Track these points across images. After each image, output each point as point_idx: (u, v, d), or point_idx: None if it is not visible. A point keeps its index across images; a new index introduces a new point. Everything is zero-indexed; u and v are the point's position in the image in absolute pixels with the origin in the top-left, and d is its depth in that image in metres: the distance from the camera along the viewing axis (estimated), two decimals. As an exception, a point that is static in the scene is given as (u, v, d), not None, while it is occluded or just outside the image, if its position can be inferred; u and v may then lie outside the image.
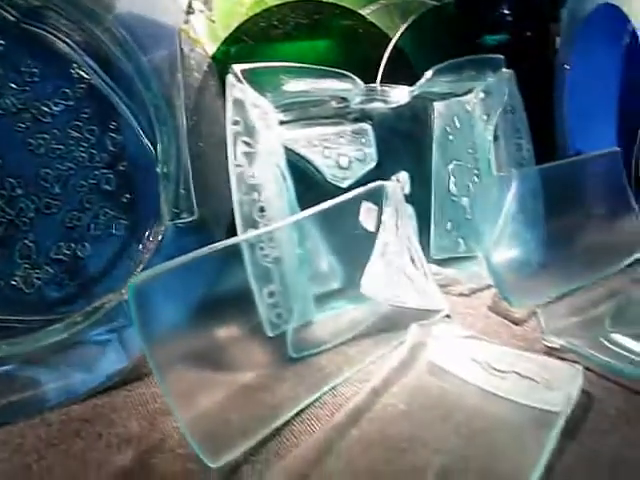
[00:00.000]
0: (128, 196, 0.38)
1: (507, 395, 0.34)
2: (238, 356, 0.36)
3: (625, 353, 0.38)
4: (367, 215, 0.42)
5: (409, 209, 0.49)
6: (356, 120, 0.46)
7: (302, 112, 0.43)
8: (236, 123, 0.36)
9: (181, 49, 0.37)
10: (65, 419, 0.33)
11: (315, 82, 0.41)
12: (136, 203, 0.38)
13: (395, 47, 0.48)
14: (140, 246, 0.38)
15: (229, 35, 0.43)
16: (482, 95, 0.50)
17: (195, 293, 0.33)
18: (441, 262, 0.50)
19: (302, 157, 0.43)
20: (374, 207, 0.42)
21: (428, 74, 0.46)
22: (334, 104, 0.44)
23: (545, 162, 0.51)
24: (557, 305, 0.45)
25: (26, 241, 0.36)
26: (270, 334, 0.37)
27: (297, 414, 0.33)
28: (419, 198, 0.50)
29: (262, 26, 0.44)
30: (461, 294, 0.48)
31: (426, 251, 0.50)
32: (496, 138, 0.51)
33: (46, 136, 0.36)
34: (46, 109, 0.36)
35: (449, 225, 0.50)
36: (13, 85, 0.35)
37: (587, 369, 0.36)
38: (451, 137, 0.51)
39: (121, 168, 0.38)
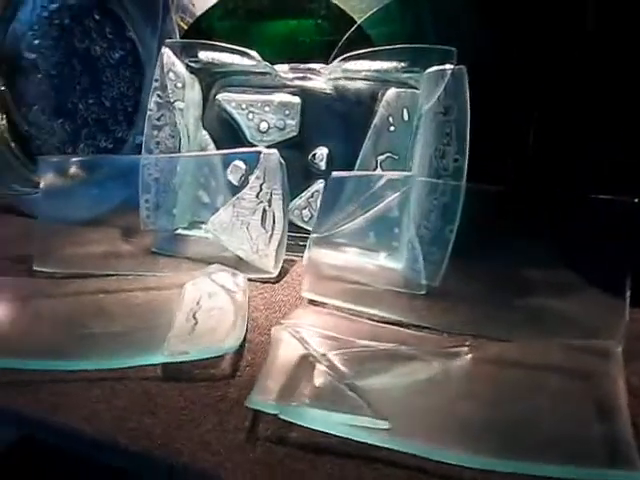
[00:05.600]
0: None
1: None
2: (109, 237, 0.57)
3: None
4: (233, 171, 0.52)
5: (319, 186, 0.54)
6: (291, 94, 0.53)
7: (243, 79, 0.55)
8: (156, 81, 0.54)
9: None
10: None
11: (215, 55, 0.52)
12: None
13: (359, 30, 0.50)
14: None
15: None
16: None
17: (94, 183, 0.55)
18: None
19: (230, 116, 0.55)
20: (242, 166, 0.52)
21: (336, 61, 0.48)
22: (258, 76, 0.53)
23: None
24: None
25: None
26: (142, 228, 0.55)
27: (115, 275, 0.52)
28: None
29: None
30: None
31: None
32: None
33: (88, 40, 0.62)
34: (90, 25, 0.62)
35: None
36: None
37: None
38: (392, 128, 0.50)
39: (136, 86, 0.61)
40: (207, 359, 0.40)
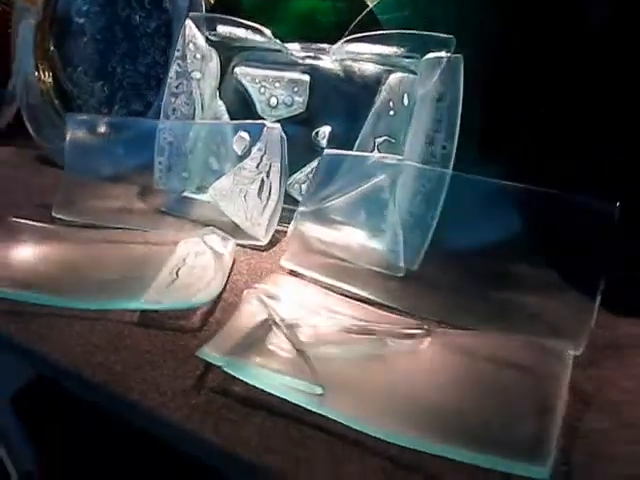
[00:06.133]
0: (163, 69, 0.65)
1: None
2: (127, 194, 0.61)
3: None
4: (238, 141, 0.55)
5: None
6: (301, 72, 0.55)
7: (260, 55, 0.57)
8: (178, 51, 0.57)
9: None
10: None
11: (233, 30, 0.54)
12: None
13: (371, 14, 0.51)
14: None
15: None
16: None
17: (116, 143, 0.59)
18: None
19: (245, 89, 0.58)
20: (246, 137, 0.54)
21: (339, 42, 0.49)
22: (274, 53, 0.55)
23: None
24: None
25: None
26: (155, 187, 0.59)
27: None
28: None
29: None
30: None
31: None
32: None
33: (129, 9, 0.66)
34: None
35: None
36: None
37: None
38: (392, 112, 0.51)
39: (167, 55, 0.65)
40: (178, 310, 0.44)
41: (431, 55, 0.46)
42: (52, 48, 0.74)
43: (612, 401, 0.36)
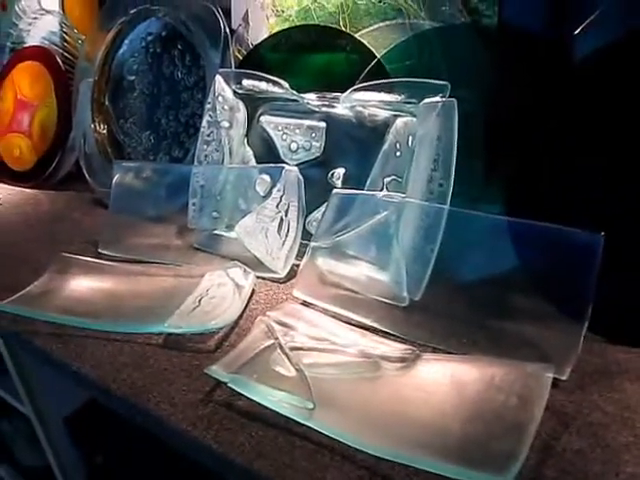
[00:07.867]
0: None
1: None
2: (166, 232, 0.69)
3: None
4: (260, 183, 0.62)
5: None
6: (318, 119, 0.62)
7: (282, 105, 0.65)
8: (209, 103, 0.66)
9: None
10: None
11: (255, 83, 0.62)
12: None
13: (379, 65, 0.58)
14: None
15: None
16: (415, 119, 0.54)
17: (157, 186, 0.68)
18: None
19: (269, 136, 0.66)
20: (267, 179, 0.62)
21: (347, 91, 0.56)
22: (293, 103, 0.63)
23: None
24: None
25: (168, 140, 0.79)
26: (189, 226, 0.68)
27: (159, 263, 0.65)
28: (357, 197, 0.61)
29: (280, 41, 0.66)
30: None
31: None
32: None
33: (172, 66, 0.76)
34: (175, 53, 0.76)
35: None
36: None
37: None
38: (398, 153, 0.57)
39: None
40: (197, 334, 0.50)
41: (427, 100, 0.52)
42: (107, 103, 0.86)
43: (591, 423, 0.39)
